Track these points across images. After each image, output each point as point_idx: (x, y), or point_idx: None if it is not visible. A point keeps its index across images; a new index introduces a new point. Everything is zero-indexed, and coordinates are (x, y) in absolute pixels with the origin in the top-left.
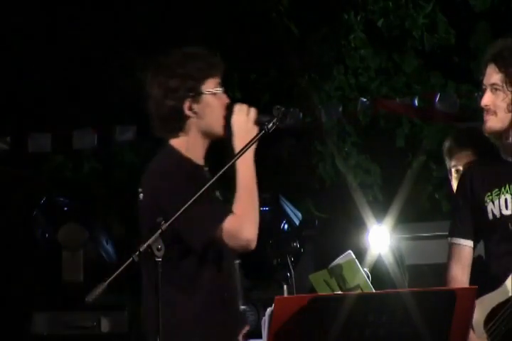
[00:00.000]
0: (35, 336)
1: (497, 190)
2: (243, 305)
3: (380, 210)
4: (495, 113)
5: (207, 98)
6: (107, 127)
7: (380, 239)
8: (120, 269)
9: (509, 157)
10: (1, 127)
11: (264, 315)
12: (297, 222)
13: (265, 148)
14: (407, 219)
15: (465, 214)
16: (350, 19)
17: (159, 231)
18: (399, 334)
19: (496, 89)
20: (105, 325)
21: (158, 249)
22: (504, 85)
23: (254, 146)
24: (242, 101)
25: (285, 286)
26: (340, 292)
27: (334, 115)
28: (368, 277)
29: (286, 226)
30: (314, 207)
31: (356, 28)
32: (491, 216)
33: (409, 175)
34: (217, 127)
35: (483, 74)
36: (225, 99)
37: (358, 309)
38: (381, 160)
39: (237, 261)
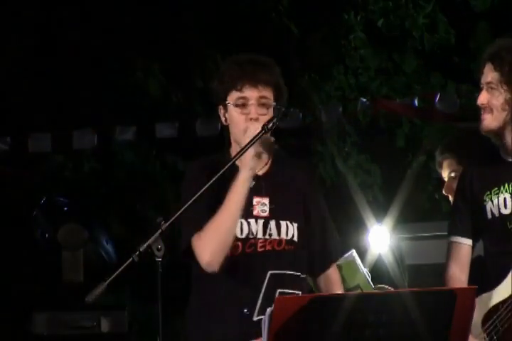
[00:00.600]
0: (35, 336)
1: (496, 189)
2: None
3: (380, 210)
4: (491, 111)
5: (230, 109)
6: (107, 127)
7: (380, 239)
8: (120, 269)
9: (509, 156)
10: (1, 127)
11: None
12: None
13: None
14: (407, 219)
15: (464, 213)
16: (350, 19)
17: (159, 231)
18: (399, 334)
19: (492, 88)
20: (105, 325)
21: (158, 249)
22: (499, 84)
23: (251, 177)
24: None
25: None
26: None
27: (334, 115)
28: (368, 277)
29: None
30: None
31: (356, 28)
32: (489, 215)
33: (409, 175)
34: (240, 139)
35: (480, 73)
36: (249, 115)
37: (358, 309)
38: (381, 160)
39: (271, 272)
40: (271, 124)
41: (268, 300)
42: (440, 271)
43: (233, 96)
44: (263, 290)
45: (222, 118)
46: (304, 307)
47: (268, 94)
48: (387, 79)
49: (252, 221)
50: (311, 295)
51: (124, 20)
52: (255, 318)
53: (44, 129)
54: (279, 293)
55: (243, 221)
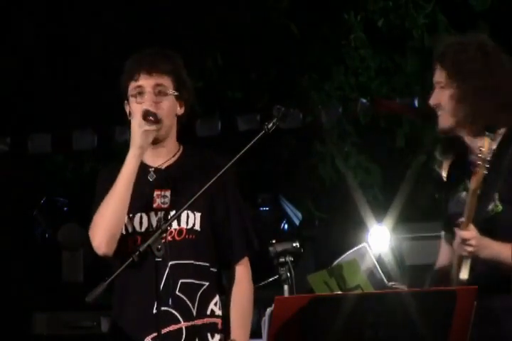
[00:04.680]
0: (35, 336)
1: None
2: (167, 307)
3: (380, 210)
4: (443, 111)
5: (130, 100)
6: (107, 127)
7: (380, 239)
8: (120, 269)
9: (471, 155)
10: (1, 128)
11: (264, 315)
12: (297, 222)
13: (265, 148)
14: (407, 219)
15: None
16: (350, 19)
17: (159, 231)
18: (399, 334)
19: (441, 87)
20: (105, 325)
21: (158, 249)
22: (447, 82)
23: None
24: (242, 101)
25: (285, 286)
26: (339, 292)
27: (334, 115)
28: (380, 262)
29: (286, 226)
30: (314, 207)
31: (356, 28)
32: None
33: (409, 175)
34: (134, 129)
35: (432, 74)
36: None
37: (358, 309)
38: (381, 160)
39: (172, 262)
40: (271, 124)
41: (168, 292)
42: None
43: (131, 87)
44: (163, 282)
45: (127, 113)
46: (304, 308)
47: (165, 82)
48: (387, 79)
49: (152, 214)
50: (311, 295)
51: (124, 20)
52: (155, 310)
53: (44, 130)
54: (181, 283)
55: (143, 214)
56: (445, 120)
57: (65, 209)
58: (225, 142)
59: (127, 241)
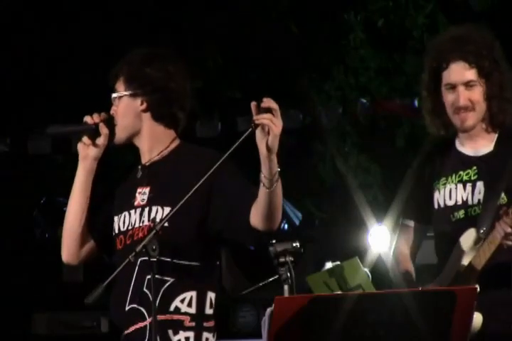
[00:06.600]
0: (35, 336)
1: (444, 179)
2: (135, 304)
3: (380, 210)
4: (473, 109)
5: None
6: None
7: (380, 239)
8: (117, 270)
9: (464, 147)
10: (1, 128)
11: (264, 315)
12: (297, 222)
13: None
14: None
15: (415, 197)
16: (350, 19)
17: (153, 231)
18: (399, 334)
19: (472, 86)
20: (105, 325)
21: (153, 250)
22: (478, 79)
23: None
24: (242, 101)
25: (285, 286)
26: (340, 292)
27: (334, 115)
28: (368, 277)
29: (286, 226)
30: (314, 207)
31: (356, 28)
32: (436, 205)
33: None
34: None
35: (446, 74)
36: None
37: (358, 309)
38: (381, 160)
39: (141, 259)
40: (253, 125)
41: (137, 288)
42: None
43: None
44: (133, 279)
45: None
46: (304, 308)
47: (119, 86)
48: (387, 79)
49: (132, 211)
50: (311, 295)
51: (123, 19)
52: (127, 307)
53: (44, 130)
54: (147, 279)
55: (126, 213)
56: (473, 118)
57: (65, 209)
58: (224, 143)
59: (116, 241)
